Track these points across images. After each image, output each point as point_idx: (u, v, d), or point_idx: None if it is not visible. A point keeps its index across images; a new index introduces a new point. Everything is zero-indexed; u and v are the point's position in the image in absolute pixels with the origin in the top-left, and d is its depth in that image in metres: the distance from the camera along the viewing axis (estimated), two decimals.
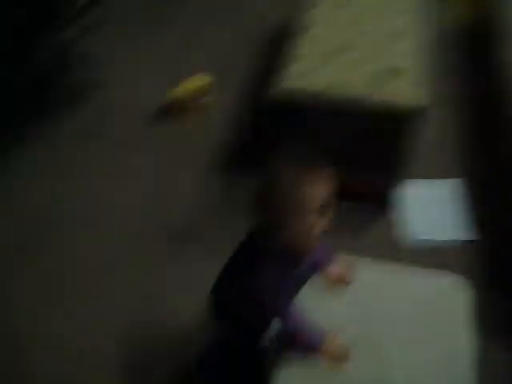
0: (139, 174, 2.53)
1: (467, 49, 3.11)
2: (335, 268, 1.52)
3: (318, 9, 2.57)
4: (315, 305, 1.45)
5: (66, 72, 2.73)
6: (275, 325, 1.44)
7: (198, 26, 3.44)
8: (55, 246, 2.24)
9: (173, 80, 2.85)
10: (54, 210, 2.37)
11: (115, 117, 2.81)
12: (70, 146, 2.67)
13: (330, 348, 1.35)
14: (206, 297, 1.48)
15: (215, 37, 3.32)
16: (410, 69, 2.15)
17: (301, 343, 1.38)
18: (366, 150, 2.18)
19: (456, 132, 2.67)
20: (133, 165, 2.57)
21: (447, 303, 1.45)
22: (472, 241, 2.19)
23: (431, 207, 2.33)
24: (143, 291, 2.07)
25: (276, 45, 3.06)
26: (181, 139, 2.68)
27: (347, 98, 2.06)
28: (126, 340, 1.91)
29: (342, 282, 1.51)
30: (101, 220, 2.33)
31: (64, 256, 2.20)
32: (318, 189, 1.26)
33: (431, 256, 2.10)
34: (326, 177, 1.27)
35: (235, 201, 2.32)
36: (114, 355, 1.87)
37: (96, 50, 2.94)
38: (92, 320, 1.98)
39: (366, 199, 2.29)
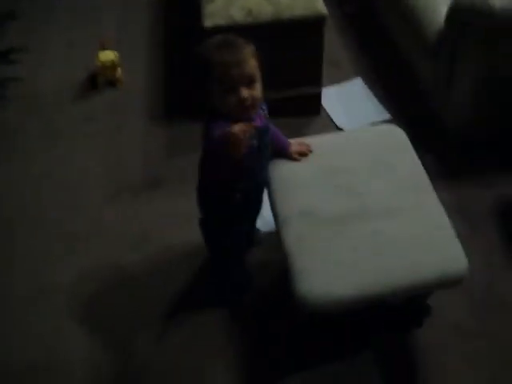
0: (85, 144, 2.68)
1: None
2: (295, 145, 1.82)
3: None
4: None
5: None
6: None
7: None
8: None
9: (83, 58, 3.01)
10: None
11: (42, 100, 2.91)
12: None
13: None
14: None
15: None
16: None
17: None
18: (284, 63, 2.47)
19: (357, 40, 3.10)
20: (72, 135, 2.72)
21: (397, 143, 1.83)
22: (389, 120, 2.60)
23: (349, 102, 2.73)
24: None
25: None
26: (111, 106, 2.85)
27: (260, 20, 2.37)
28: None
29: (304, 153, 1.80)
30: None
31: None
32: (244, 62, 1.45)
33: None
34: (250, 53, 1.49)
35: (179, 142, 2.59)
36: None
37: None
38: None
39: (296, 108, 2.62)
